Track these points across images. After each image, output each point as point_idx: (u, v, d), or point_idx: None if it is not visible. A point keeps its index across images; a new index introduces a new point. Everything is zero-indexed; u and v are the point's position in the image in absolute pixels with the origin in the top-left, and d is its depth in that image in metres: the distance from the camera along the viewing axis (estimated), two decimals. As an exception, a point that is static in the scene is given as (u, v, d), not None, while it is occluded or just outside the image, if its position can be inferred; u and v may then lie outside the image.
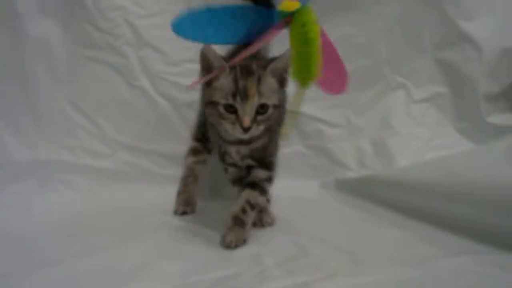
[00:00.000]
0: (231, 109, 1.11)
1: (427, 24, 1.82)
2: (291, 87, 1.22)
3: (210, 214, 1.51)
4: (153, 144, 1.77)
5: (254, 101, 1.10)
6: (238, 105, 1.10)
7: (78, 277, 1.05)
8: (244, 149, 1.25)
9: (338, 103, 1.83)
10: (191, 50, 1.76)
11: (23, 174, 1.65)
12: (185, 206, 1.51)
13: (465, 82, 1.82)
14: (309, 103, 1.82)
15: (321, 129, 1.82)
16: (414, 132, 1.82)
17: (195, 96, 1.48)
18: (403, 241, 1.22)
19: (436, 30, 1.81)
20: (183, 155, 1.57)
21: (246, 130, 1.11)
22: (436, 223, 1.31)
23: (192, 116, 1.63)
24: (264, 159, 1.29)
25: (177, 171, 1.61)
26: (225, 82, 1.12)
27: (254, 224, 1.32)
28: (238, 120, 1.11)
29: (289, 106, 1.33)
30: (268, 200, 1.58)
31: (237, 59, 1.09)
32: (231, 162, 1.33)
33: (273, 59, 1.14)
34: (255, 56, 1.18)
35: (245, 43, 1.33)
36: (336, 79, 1.36)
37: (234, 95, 1.10)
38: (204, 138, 1.53)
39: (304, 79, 1.18)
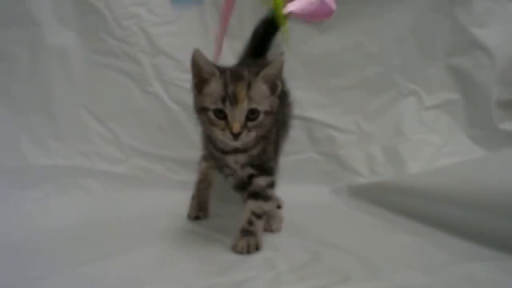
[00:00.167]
0: (221, 114, 1.10)
1: (439, 31, 1.82)
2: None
3: (223, 218, 1.52)
4: (166, 149, 1.79)
5: (244, 106, 1.08)
6: (228, 110, 1.09)
7: (93, 281, 1.06)
8: (241, 158, 1.23)
9: (350, 109, 1.84)
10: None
11: (40, 179, 1.69)
12: (198, 211, 1.53)
13: (477, 89, 1.82)
14: (320, 109, 1.84)
15: (332, 135, 1.83)
16: (426, 139, 1.82)
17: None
18: (415, 247, 1.23)
19: (448, 37, 1.81)
20: (197, 161, 1.59)
21: (236, 136, 1.09)
22: (449, 229, 1.31)
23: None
24: (264, 165, 1.27)
25: (190, 177, 1.63)
26: (215, 87, 1.11)
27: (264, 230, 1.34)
28: (228, 126, 1.09)
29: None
30: (279, 206, 1.60)
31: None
32: (229, 173, 1.32)
33: (265, 66, 1.14)
34: (248, 63, 1.20)
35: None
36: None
37: (223, 100, 1.09)
38: None
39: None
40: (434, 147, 1.80)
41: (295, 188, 1.73)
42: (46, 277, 1.08)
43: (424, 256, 1.16)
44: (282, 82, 1.47)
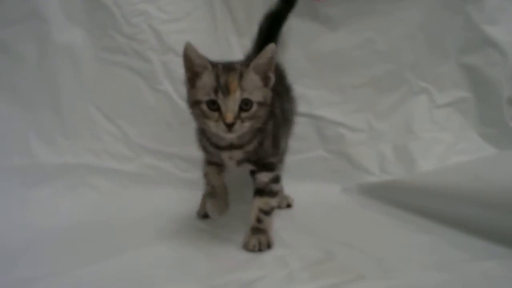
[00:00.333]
0: (214, 106, 1.10)
1: (451, 29, 1.80)
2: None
3: (232, 217, 1.49)
4: (175, 147, 1.78)
5: (236, 96, 1.08)
6: (221, 100, 1.08)
7: (106, 280, 1.06)
8: (236, 154, 1.23)
9: (360, 107, 1.83)
10: (213, 55, 1.80)
11: (49, 177, 1.69)
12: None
13: (489, 86, 1.81)
14: (330, 107, 1.83)
15: (342, 133, 1.81)
16: (437, 137, 1.80)
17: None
18: (429, 245, 1.21)
19: (460, 34, 1.80)
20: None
21: (229, 127, 1.08)
22: (461, 227, 1.29)
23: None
24: (263, 161, 1.26)
25: (199, 174, 1.60)
26: (207, 80, 1.11)
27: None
28: (221, 117, 1.08)
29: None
30: (289, 205, 1.61)
31: None
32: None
33: (255, 56, 1.13)
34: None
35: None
36: None
37: (216, 91, 1.08)
38: None
39: None
40: (445, 145, 1.79)
41: (305, 186, 1.74)
42: (57, 276, 1.08)
43: (437, 254, 1.14)
44: (284, 77, 1.47)
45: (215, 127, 1.11)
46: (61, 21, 1.70)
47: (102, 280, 1.06)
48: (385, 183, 1.70)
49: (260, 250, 1.18)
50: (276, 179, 1.29)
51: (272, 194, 1.27)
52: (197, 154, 1.71)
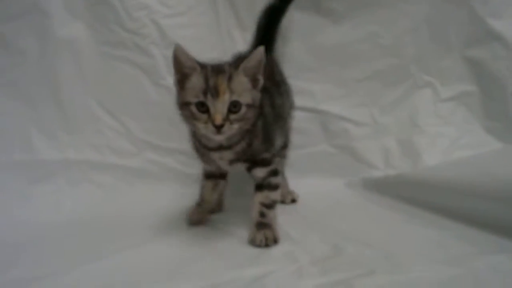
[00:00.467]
0: (203, 108, 1.09)
1: (455, 22, 1.79)
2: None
3: (237, 212, 1.49)
4: (178, 143, 1.75)
5: (225, 98, 1.08)
6: (209, 102, 1.08)
7: (110, 277, 1.05)
8: (226, 154, 1.22)
9: (364, 101, 1.81)
10: (216, 49, 1.79)
11: (51, 173, 1.67)
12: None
13: (494, 80, 1.80)
14: (334, 101, 1.82)
15: (346, 128, 1.80)
16: (442, 131, 1.80)
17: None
18: (436, 239, 1.20)
19: (464, 28, 1.79)
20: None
21: (218, 128, 1.08)
22: (468, 221, 1.28)
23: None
24: (255, 158, 1.25)
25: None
26: (196, 81, 1.11)
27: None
28: (210, 118, 1.08)
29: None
30: (294, 200, 1.60)
31: None
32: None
33: (245, 58, 1.13)
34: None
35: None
36: None
37: (205, 93, 1.08)
38: None
39: None
40: (450, 139, 1.78)
41: (309, 181, 1.73)
42: (61, 273, 1.07)
43: (446, 249, 1.13)
44: (275, 72, 1.45)
45: (204, 129, 1.11)
46: (62, 16, 1.67)
47: (106, 277, 1.05)
48: (390, 178, 1.70)
49: (267, 245, 1.18)
50: (274, 173, 1.28)
51: (272, 187, 1.27)
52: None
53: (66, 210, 1.60)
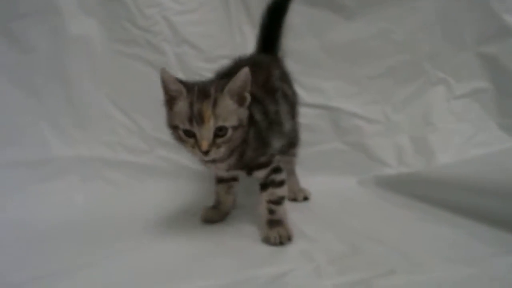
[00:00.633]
0: (190, 133, 1.11)
1: (469, 18, 1.76)
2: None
3: (250, 209, 1.48)
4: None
5: (210, 125, 1.08)
6: (195, 129, 1.09)
7: (127, 273, 1.06)
8: (221, 166, 1.23)
9: (377, 98, 1.80)
10: (228, 46, 1.79)
11: (64, 171, 1.68)
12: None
13: (508, 76, 1.76)
14: (346, 98, 1.80)
15: (359, 125, 1.79)
16: (455, 129, 1.77)
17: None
18: (452, 238, 1.18)
19: (479, 23, 1.75)
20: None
21: (205, 153, 1.09)
22: (484, 220, 1.26)
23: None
24: (251, 165, 1.25)
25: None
26: (182, 106, 1.11)
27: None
28: (197, 144, 1.09)
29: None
30: (306, 198, 1.59)
31: None
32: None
33: (230, 79, 1.11)
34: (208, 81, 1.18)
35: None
36: None
37: (190, 120, 1.09)
38: None
39: None
40: (464, 136, 1.76)
41: (320, 178, 1.72)
42: (76, 271, 1.07)
43: (462, 248, 1.12)
44: (278, 76, 1.41)
45: (192, 152, 1.13)
46: (74, 13, 1.68)
47: (123, 275, 1.05)
48: (403, 176, 1.68)
49: (281, 243, 1.17)
50: (276, 170, 1.27)
51: (276, 184, 1.26)
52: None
53: (78, 207, 1.61)
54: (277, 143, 1.31)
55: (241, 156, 1.21)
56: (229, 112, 1.11)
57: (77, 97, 1.72)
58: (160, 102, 1.71)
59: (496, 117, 1.80)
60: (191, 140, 1.11)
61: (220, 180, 1.43)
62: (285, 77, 1.48)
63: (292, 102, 1.46)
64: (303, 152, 1.64)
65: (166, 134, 1.73)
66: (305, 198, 1.59)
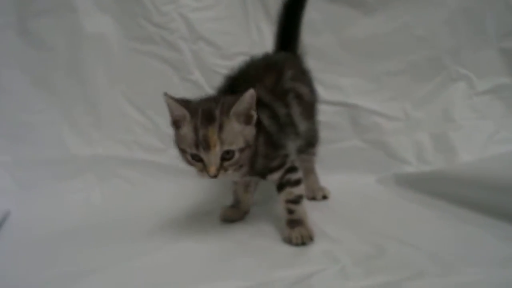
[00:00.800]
0: (197, 157, 1.10)
1: (492, 12, 1.72)
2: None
3: (268, 206, 1.47)
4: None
5: (217, 150, 1.07)
6: (202, 154, 1.08)
7: (151, 274, 1.04)
8: (235, 175, 1.20)
9: (397, 95, 1.76)
10: (244, 43, 1.77)
11: (81, 169, 1.69)
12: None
13: (532, 72, 1.73)
14: (365, 95, 1.77)
15: (378, 122, 1.75)
16: (477, 126, 1.73)
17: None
18: (480, 239, 1.15)
19: (502, 18, 1.72)
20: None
21: (214, 177, 1.09)
22: (510, 219, 1.23)
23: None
24: (264, 171, 1.23)
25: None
26: (187, 130, 1.10)
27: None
28: (205, 168, 1.09)
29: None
30: (325, 196, 1.56)
31: None
32: None
33: (235, 101, 1.08)
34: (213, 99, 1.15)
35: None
36: None
37: (196, 145, 1.08)
38: None
39: None
40: (486, 133, 1.72)
41: (339, 177, 1.68)
42: (92, 272, 1.06)
43: (492, 249, 1.08)
44: (279, 83, 1.33)
45: (201, 175, 1.12)
46: (90, 10, 1.68)
47: (137, 277, 1.03)
48: (424, 174, 1.65)
49: (303, 243, 1.15)
50: (291, 170, 1.24)
51: (292, 183, 1.23)
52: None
53: (95, 206, 1.61)
54: (291, 144, 1.29)
55: (253, 165, 1.20)
56: (235, 135, 1.09)
57: (93, 95, 1.72)
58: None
59: (519, 113, 1.76)
60: (199, 164, 1.11)
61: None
62: (301, 76, 1.43)
63: (309, 102, 1.41)
64: (321, 149, 1.61)
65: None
66: (324, 197, 1.56)
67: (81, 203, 1.61)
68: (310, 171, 1.56)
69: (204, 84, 1.72)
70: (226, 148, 1.08)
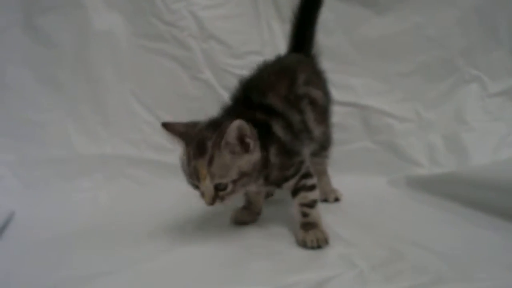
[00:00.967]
0: (194, 185, 1.13)
1: (505, 12, 1.72)
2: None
3: (280, 207, 1.45)
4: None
5: (207, 183, 1.08)
6: (197, 183, 1.11)
7: (164, 276, 1.01)
8: (251, 188, 1.21)
9: (408, 96, 1.76)
10: (255, 42, 1.75)
11: (88, 169, 1.67)
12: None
13: (545, 74, 1.72)
14: (376, 96, 1.76)
15: (390, 123, 1.74)
16: (490, 128, 1.72)
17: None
18: (500, 242, 1.12)
19: (515, 19, 1.71)
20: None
21: (210, 205, 1.11)
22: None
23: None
24: (279, 181, 1.22)
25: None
26: (183, 160, 1.13)
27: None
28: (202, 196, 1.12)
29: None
30: (337, 199, 1.53)
31: None
32: None
33: (224, 132, 1.06)
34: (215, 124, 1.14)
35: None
36: None
37: (191, 175, 1.11)
38: None
39: None
40: (499, 136, 1.70)
41: (350, 178, 1.67)
42: (98, 276, 1.02)
43: (509, 254, 1.06)
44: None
45: (202, 201, 1.13)
46: (99, 7, 1.66)
47: (145, 282, 1.00)
48: (436, 176, 1.63)
49: (319, 246, 1.13)
50: (305, 176, 1.23)
51: (307, 188, 1.22)
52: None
53: (102, 206, 1.59)
54: (306, 150, 1.28)
55: (267, 177, 1.19)
56: (227, 167, 1.08)
57: (100, 94, 1.70)
58: (185, 98, 1.73)
59: (531, 116, 1.74)
60: (198, 191, 1.13)
61: None
62: (315, 79, 1.39)
63: (322, 106, 1.39)
64: (333, 151, 1.59)
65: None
66: (336, 199, 1.54)
67: (88, 203, 1.59)
68: (323, 173, 1.54)
69: (214, 83, 1.71)
70: (216, 181, 1.08)
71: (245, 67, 1.67)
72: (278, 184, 1.23)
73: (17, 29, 1.64)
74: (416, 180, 1.65)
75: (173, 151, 1.68)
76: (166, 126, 1.16)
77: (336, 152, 1.63)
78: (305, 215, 1.20)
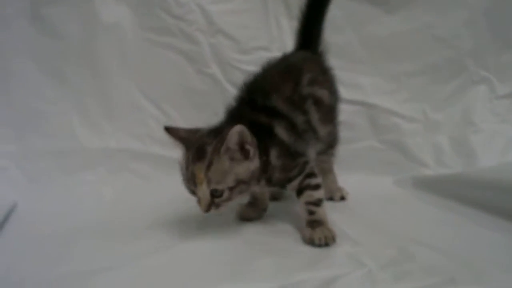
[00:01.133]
0: (191, 191, 1.13)
1: (514, 14, 1.70)
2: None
3: (285, 204, 1.45)
4: (221, 133, 1.72)
5: (203, 188, 1.08)
6: (194, 188, 1.11)
7: (169, 273, 1.00)
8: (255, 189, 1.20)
9: (416, 96, 1.74)
10: (263, 37, 1.73)
11: (92, 162, 1.66)
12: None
13: (555, 77, 1.71)
14: (384, 95, 1.75)
15: (397, 123, 1.73)
16: (498, 129, 1.71)
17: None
18: (504, 244, 1.11)
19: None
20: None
21: (206, 212, 1.11)
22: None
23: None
24: (283, 182, 1.21)
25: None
26: (182, 164, 1.13)
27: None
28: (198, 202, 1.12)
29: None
30: (343, 197, 1.52)
31: None
32: None
33: (225, 138, 1.06)
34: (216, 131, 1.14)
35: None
36: None
37: (188, 180, 1.11)
38: None
39: None
40: (507, 138, 1.70)
41: (356, 177, 1.65)
42: (100, 271, 1.01)
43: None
44: (294, 93, 1.28)
45: (198, 206, 1.13)
46: (106, 0, 1.64)
47: (148, 278, 0.99)
48: (442, 177, 1.62)
49: (326, 244, 1.12)
50: (309, 175, 1.22)
51: (312, 187, 1.21)
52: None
53: (105, 200, 1.57)
54: (311, 149, 1.27)
55: (270, 179, 1.19)
56: (225, 173, 1.08)
57: (106, 86, 1.69)
58: (191, 92, 1.71)
59: (540, 118, 1.73)
60: (195, 196, 1.13)
61: None
62: (321, 78, 1.37)
63: (328, 105, 1.37)
64: (340, 149, 1.58)
65: (196, 127, 1.72)
66: (342, 198, 1.53)
67: (91, 197, 1.57)
68: (328, 171, 1.53)
69: (221, 78, 1.70)
70: (212, 187, 1.08)
71: (252, 62, 1.67)
72: (282, 185, 1.23)
73: (23, 19, 1.63)
74: (422, 180, 1.64)
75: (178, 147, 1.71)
76: (168, 130, 1.17)
77: (342, 151, 1.62)
78: (311, 213, 1.19)
